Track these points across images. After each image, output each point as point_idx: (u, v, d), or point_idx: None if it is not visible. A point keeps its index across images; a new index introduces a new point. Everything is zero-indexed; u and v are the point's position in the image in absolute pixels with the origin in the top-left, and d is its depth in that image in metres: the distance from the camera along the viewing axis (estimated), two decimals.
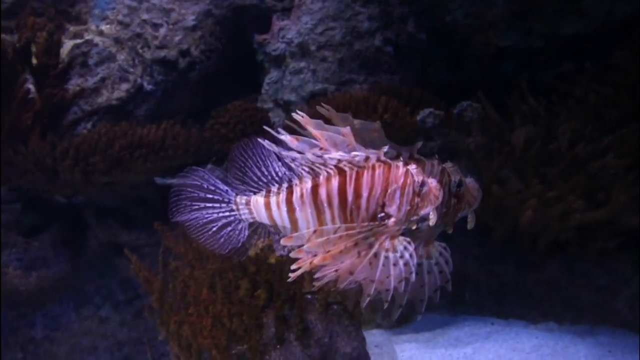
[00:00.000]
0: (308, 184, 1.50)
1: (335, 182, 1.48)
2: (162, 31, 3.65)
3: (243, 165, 1.61)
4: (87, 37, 3.77)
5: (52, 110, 3.10)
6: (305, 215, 1.51)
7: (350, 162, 1.46)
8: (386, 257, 1.44)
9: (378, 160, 1.47)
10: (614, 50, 4.09)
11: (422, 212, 1.49)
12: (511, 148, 3.38)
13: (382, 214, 1.48)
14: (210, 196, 1.64)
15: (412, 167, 1.48)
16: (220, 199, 1.63)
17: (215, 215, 1.64)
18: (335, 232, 1.44)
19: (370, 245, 1.45)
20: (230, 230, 1.63)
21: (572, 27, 4.33)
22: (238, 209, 1.61)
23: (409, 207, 1.48)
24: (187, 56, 3.67)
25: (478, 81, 4.21)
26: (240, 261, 2.09)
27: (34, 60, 3.28)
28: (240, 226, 1.63)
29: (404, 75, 3.67)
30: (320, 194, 1.49)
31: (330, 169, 1.48)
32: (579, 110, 3.70)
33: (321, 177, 1.49)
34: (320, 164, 1.47)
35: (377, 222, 1.46)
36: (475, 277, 3.44)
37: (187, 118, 4.05)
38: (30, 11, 3.48)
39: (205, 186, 1.64)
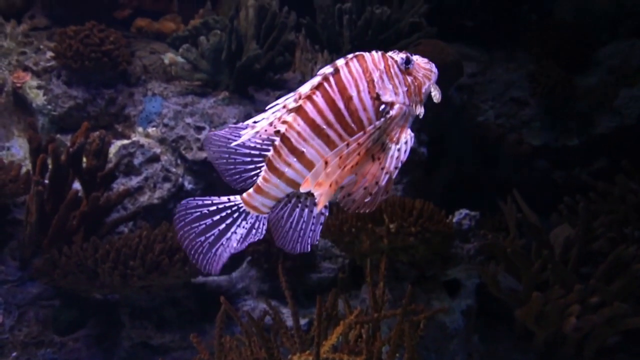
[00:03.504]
0: (297, 118, 1.34)
1: (319, 98, 1.34)
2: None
3: (227, 158, 1.46)
4: (134, 138, 3.98)
5: (97, 212, 3.22)
6: (314, 150, 1.36)
7: (312, 86, 1.33)
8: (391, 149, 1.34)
9: (344, 59, 1.35)
10: None
11: (424, 90, 1.40)
12: (551, 250, 3.32)
13: (383, 106, 1.36)
14: (218, 214, 1.48)
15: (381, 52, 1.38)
16: (229, 207, 1.48)
17: (232, 225, 1.47)
18: (346, 149, 1.30)
19: (383, 146, 1.34)
20: (257, 231, 1.47)
21: (606, 125, 4.38)
22: (251, 203, 1.44)
23: (405, 88, 1.38)
24: None
25: (513, 179, 4.23)
26: None
27: (84, 162, 3.46)
28: (262, 222, 1.47)
29: (405, 186, 3.75)
30: (314, 118, 1.34)
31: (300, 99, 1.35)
32: (618, 210, 3.64)
33: (306, 104, 1.33)
34: (286, 106, 1.35)
35: (382, 119, 1.34)
36: None
37: None
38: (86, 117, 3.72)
39: (207, 210, 1.48)
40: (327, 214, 1.45)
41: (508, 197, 3.71)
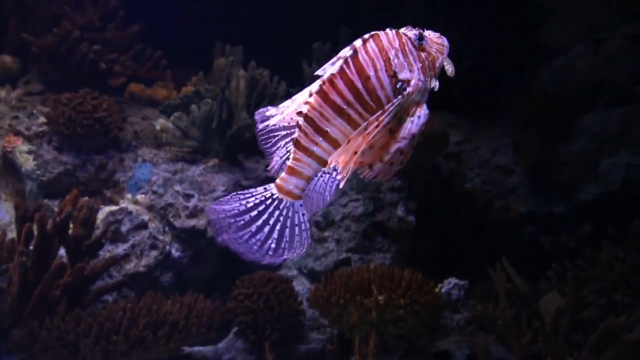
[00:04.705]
0: (319, 100, 1.41)
1: (338, 80, 1.40)
2: (193, 201, 3.84)
3: (267, 137, 1.52)
4: (123, 204, 3.97)
5: (81, 282, 3.17)
6: (337, 129, 1.42)
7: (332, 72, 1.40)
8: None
9: (361, 40, 1.41)
10: (633, 215, 4.13)
11: (438, 64, 1.43)
12: (542, 321, 3.29)
13: (400, 83, 1.40)
14: (252, 202, 1.50)
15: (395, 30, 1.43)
16: (261, 195, 1.50)
17: (266, 214, 1.48)
18: (368, 128, 1.36)
19: (400, 121, 1.39)
20: (293, 222, 1.48)
21: (590, 192, 4.45)
22: (285, 188, 1.46)
23: (420, 64, 1.41)
24: None
25: (501, 246, 4.24)
26: None
27: (70, 230, 3.43)
28: (299, 215, 1.48)
29: (394, 254, 3.77)
30: (334, 99, 1.40)
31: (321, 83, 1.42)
32: (607, 277, 3.65)
33: (326, 86, 1.40)
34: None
35: (400, 96, 1.39)
36: None
37: (213, 282, 4.09)
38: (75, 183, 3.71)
39: (243, 202, 1.51)
40: (347, 177, 1.51)
41: (497, 264, 3.70)
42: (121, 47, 5.03)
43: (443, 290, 3.26)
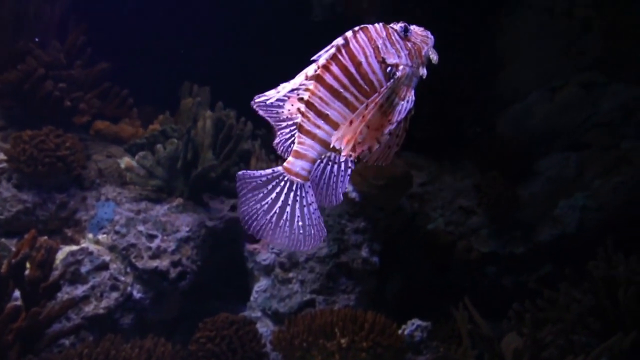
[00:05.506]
0: (317, 85, 1.55)
1: (333, 66, 1.54)
2: (156, 242, 3.79)
3: (273, 114, 1.63)
4: (83, 244, 3.89)
5: (36, 326, 3.07)
6: (337, 112, 1.55)
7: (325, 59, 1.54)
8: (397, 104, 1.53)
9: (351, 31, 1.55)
10: (589, 256, 4.26)
11: (424, 52, 1.58)
12: None
13: (390, 68, 1.54)
14: (270, 184, 1.62)
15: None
16: (276, 177, 1.61)
17: (281, 194, 1.60)
18: (365, 110, 1.50)
19: (392, 104, 1.53)
20: (309, 203, 1.59)
21: (549, 233, 4.58)
22: (293, 170, 1.58)
23: (406, 51, 1.56)
24: (179, 266, 3.77)
25: (464, 285, 4.30)
26: None
27: (27, 271, 3.33)
28: (310, 193, 1.60)
29: (358, 295, 3.80)
30: (331, 84, 1.54)
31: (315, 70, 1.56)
32: (565, 318, 3.73)
33: (323, 73, 1.54)
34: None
35: (391, 80, 1.53)
36: None
37: (175, 323, 4.01)
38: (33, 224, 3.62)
39: (260, 181, 1.62)
40: (353, 167, 1.64)
41: (460, 304, 3.75)
42: (87, 85, 5.01)
43: (406, 332, 3.27)
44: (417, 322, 3.38)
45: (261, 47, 5.42)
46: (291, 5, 5.47)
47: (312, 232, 1.62)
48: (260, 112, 1.68)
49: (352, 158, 1.55)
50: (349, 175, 1.61)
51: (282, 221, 1.62)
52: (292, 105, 1.61)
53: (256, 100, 1.64)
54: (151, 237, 3.81)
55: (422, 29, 1.63)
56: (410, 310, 3.72)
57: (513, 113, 4.89)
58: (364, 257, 3.81)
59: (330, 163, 1.62)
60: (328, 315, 3.07)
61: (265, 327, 3.63)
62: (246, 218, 1.63)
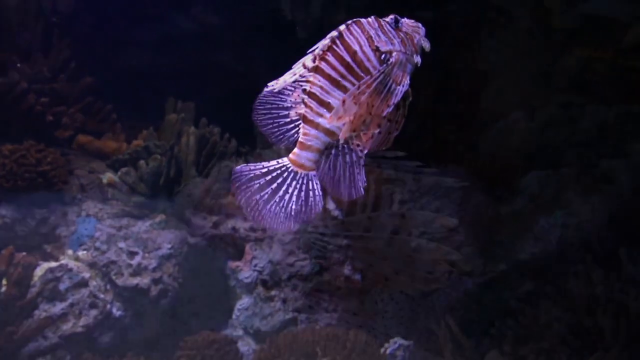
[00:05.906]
0: (317, 76, 1.61)
1: (330, 56, 1.61)
2: (137, 259, 3.76)
3: (269, 119, 1.69)
4: (63, 261, 3.84)
5: (11, 346, 3.01)
6: (337, 100, 1.61)
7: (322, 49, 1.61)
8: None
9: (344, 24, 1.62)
10: (569, 274, 4.30)
11: (416, 41, 1.65)
12: None
13: (384, 55, 1.62)
14: (270, 175, 1.66)
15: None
16: (279, 168, 1.66)
17: (283, 184, 1.64)
18: (357, 90, 1.57)
19: (389, 89, 1.59)
20: (314, 192, 1.63)
21: (530, 251, 4.62)
22: (298, 161, 1.63)
23: (399, 39, 1.64)
24: (160, 283, 3.73)
25: (445, 303, 4.30)
26: None
27: (3, 288, 3.29)
28: (315, 182, 1.65)
29: (340, 313, 3.79)
30: (329, 73, 1.61)
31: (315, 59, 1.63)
32: (546, 336, 3.76)
33: (321, 63, 1.61)
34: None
35: (384, 65, 1.61)
36: None
37: (155, 341, 3.96)
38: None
39: (260, 172, 1.66)
40: (364, 159, 1.69)
41: (442, 323, 3.76)
42: (71, 99, 4.98)
43: (388, 352, 3.27)
44: (399, 341, 3.39)
45: (246, 64, 5.44)
46: (275, 23, 5.52)
47: (312, 205, 1.66)
48: (259, 117, 1.72)
49: (360, 147, 1.61)
50: (362, 165, 1.66)
51: (282, 205, 1.66)
52: (297, 96, 1.68)
53: (268, 85, 1.68)
54: (132, 254, 3.78)
55: (412, 20, 1.71)
56: (392, 329, 3.72)
57: (495, 132, 4.95)
58: (346, 275, 3.81)
59: (340, 155, 1.67)
60: (310, 334, 3.06)
61: (247, 346, 3.60)
62: (247, 208, 1.67)
